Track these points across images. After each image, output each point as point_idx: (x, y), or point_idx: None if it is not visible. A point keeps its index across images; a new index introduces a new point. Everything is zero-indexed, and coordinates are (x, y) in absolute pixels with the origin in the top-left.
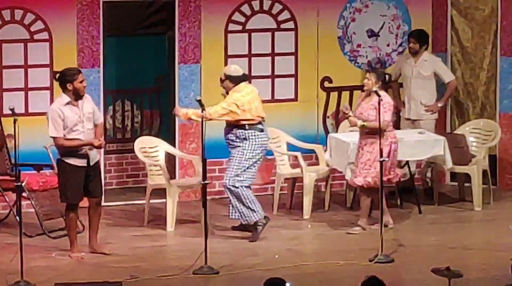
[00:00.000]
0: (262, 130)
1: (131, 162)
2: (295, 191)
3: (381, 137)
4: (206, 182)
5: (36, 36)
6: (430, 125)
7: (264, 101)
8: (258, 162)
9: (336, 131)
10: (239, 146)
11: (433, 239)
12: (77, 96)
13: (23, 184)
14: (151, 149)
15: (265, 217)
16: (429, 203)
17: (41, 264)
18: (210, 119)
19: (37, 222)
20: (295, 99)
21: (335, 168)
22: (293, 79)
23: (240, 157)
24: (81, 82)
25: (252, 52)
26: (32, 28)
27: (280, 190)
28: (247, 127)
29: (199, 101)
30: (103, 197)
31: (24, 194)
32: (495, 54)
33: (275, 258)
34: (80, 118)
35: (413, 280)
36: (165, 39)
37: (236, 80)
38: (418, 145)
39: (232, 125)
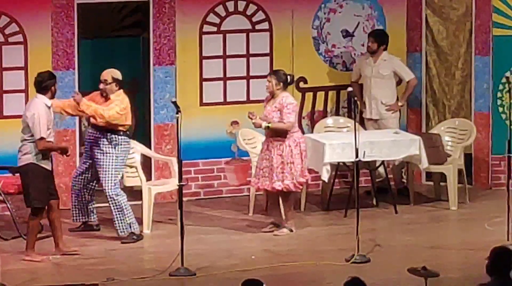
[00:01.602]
0: (128, 135)
1: None
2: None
3: (287, 138)
4: (182, 183)
5: (10, 39)
6: (393, 124)
7: (239, 102)
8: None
9: (312, 132)
10: (109, 153)
11: (409, 239)
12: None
13: None
14: None
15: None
16: (405, 202)
17: (17, 267)
18: (98, 119)
19: (12, 225)
20: None
21: (311, 168)
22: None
23: (114, 164)
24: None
25: (227, 53)
26: (7, 31)
27: (256, 191)
28: (121, 133)
29: (174, 103)
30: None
31: None
32: (470, 53)
33: (252, 259)
34: (53, 121)
35: (389, 280)
36: (140, 41)
37: (120, 84)
38: (394, 145)
39: (105, 129)
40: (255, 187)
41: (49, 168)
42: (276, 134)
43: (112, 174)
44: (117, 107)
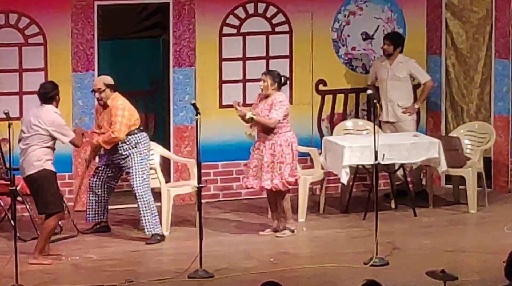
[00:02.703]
0: (143, 131)
1: None
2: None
3: (272, 133)
4: (201, 185)
5: (30, 40)
6: (410, 126)
7: None
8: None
9: (331, 134)
10: (131, 154)
11: (428, 242)
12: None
13: (17, 188)
14: None
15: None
16: (424, 206)
17: (35, 268)
18: (115, 140)
19: (31, 226)
20: (290, 102)
21: (330, 171)
22: (287, 82)
23: (139, 162)
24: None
25: (247, 55)
26: (27, 32)
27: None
28: (136, 131)
29: (194, 105)
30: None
31: (18, 198)
32: (489, 56)
33: (270, 261)
34: None
35: (408, 283)
36: (160, 43)
37: (114, 88)
38: (413, 147)
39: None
40: (244, 186)
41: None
42: (268, 132)
43: (139, 171)
44: (118, 121)
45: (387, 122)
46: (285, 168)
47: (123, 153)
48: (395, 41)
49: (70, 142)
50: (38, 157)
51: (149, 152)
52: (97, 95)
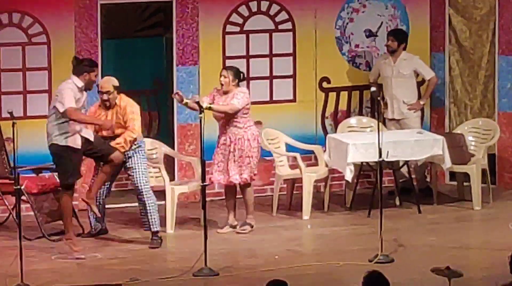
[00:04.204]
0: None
1: None
2: (294, 192)
3: (237, 128)
4: (205, 183)
5: (34, 39)
6: (416, 123)
7: (262, 102)
8: None
9: (335, 132)
10: (136, 153)
11: (433, 239)
12: (85, 87)
13: (22, 187)
14: (149, 151)
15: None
16: (429, 202)
17: (40, 267)
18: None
19: (36, 225)
20: (294, 100)
21: (334, 168)
22: (291, 80)
23: (143, 161)
24: (95, 76)
25: (250, 53)
26: (30, 31)
27: (279, 191)
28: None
29: (198, 103)
30: None
31: (23, 197)
32: (493, 52)
33: (275, 259)
34: (83, 106)
35: (413, 280)
36: (163, 41)
37: (120, 89)
38: (417, 145)
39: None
40: (209, 181)
41: (74, 145)
42: (233, 127)
43: (142, 170)
44: (135, 118)
45: (392, 119)
46: (253, 162)
47: (129, 153)
48: (399, 37)
49: (67, 113)
50: (50, 133)
51: (145, 151)
52: (105, 97)
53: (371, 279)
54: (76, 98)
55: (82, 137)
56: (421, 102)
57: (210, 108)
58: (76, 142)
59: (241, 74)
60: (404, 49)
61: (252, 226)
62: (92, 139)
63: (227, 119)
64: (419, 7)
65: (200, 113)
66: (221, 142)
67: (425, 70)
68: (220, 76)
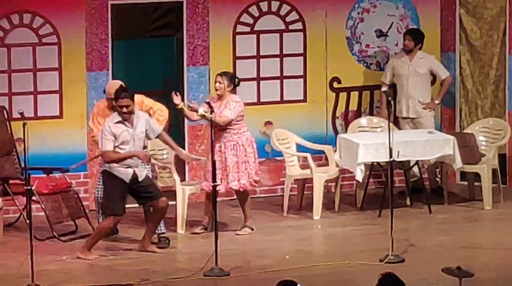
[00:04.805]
0: None
1: None
2: (305, 192)
3: (231, 134)
4: (216, 184)
5: (44, 40)
6: (430, 122)
7: (273, 102)
8: None
9: (346, 132)
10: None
11: (444, 239)
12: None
13: (33, 187)
14: (160, 151)
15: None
16: (439, 202)
17: (51, 267)
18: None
19: (47, 226)
20: (304, 100)
21: (345, 168)
22: (302, 80)
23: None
24: (120, 106)
25: (261, 54)
26: (41, 32)
27: (290, 191)
28: None
29: (208, 103)
30: None
31: (34, 198)
32: (503, 52)
33: (285, 259)
34: (132, 137)
35: (424, 280)
36: (174, 41)
37: (131, 95)
38: (428, 144)
39: None
40: (206, 189)
41: (123, 177)
42: (225, 131)
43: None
44: (154, 104)
45: (407, 118)
46: (250, 167)
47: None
48: (417, 37)
49: (102, 154)
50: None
51: None
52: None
53: (386, 281)
54: (112, 135)
55: (134, 173)
56: (436, 102)
57: (204, 117)
58: (124, 174)
59: (236, 80)
60: (420, 49)
61: (252, 229)
62: (141, 178)
63: (221, 126)
64: (430, 7)
65: (210, 114)
66: (216, 149)
67: (440, 70)
68: (215, 82)
